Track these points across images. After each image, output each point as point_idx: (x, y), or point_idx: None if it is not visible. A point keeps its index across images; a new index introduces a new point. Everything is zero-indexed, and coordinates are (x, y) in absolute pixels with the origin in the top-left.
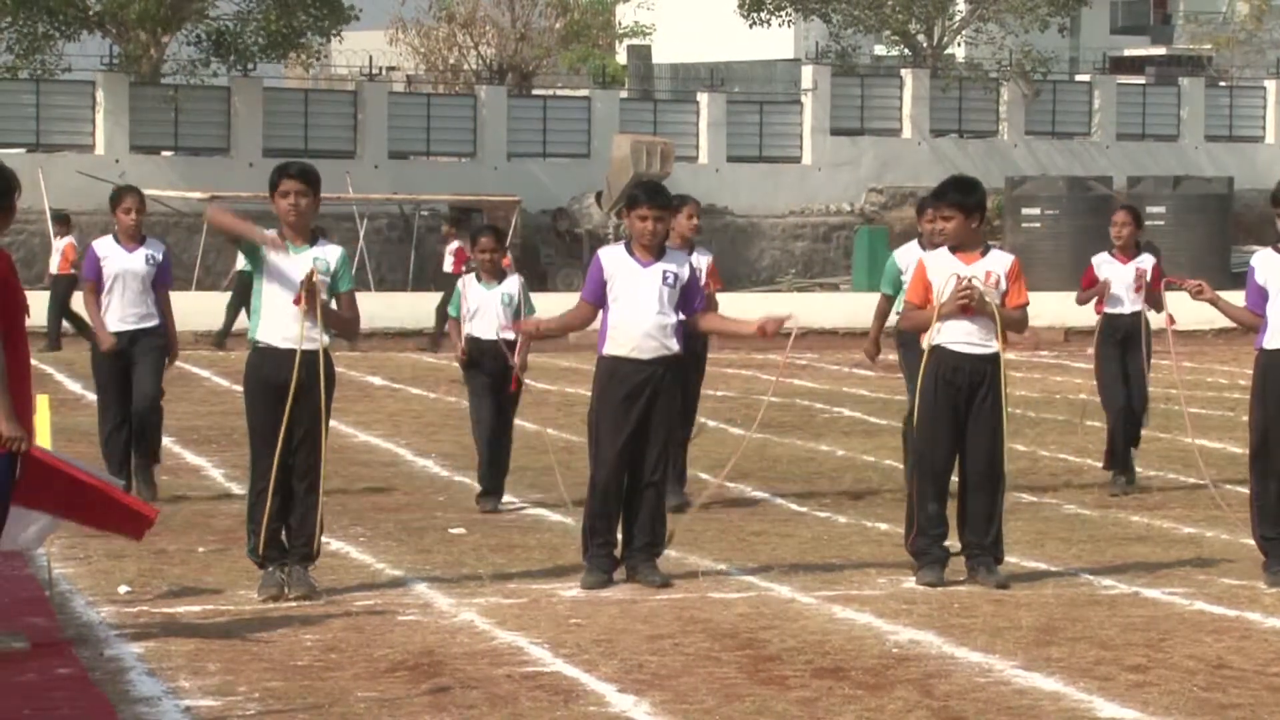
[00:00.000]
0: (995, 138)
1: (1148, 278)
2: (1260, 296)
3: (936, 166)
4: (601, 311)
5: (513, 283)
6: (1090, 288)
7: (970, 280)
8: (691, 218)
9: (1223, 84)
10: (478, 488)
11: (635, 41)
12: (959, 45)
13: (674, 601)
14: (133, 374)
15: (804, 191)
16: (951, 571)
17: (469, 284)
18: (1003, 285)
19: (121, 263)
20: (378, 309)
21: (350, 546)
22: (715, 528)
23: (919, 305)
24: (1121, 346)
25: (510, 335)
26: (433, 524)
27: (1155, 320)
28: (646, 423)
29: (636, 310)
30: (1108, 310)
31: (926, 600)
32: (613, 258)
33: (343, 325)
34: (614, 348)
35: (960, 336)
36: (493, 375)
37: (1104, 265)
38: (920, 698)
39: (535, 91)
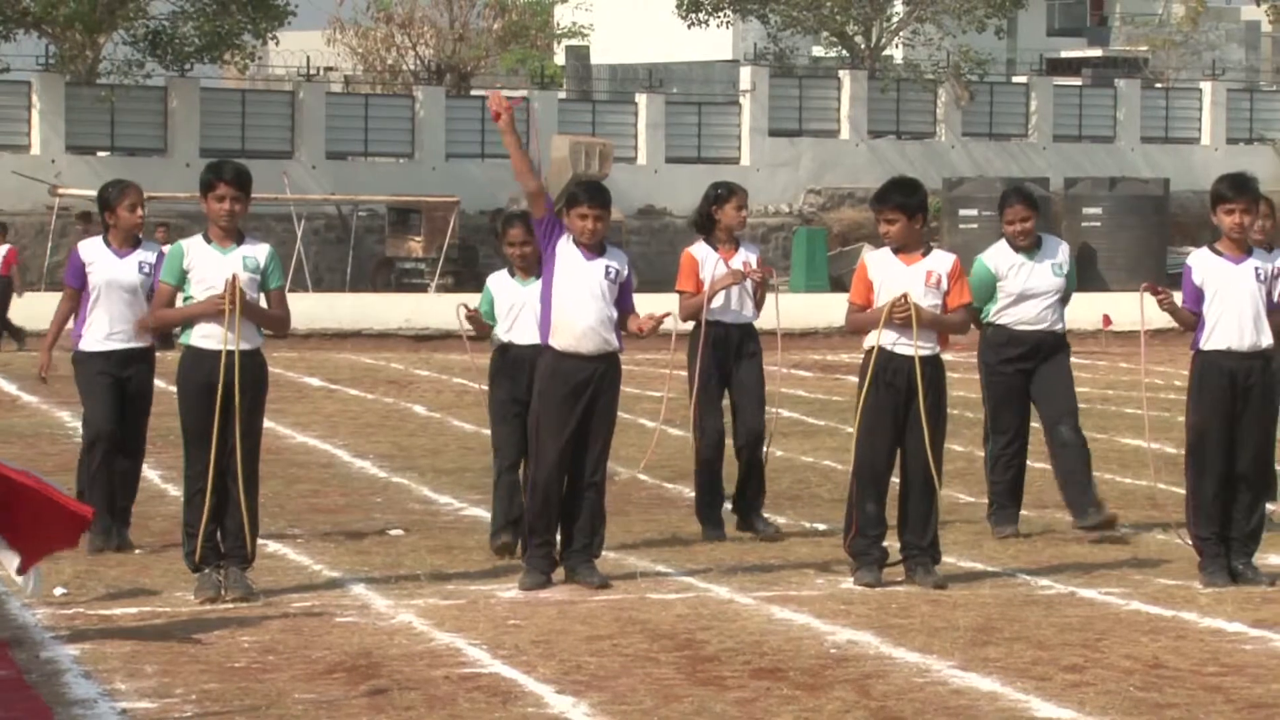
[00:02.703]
0: (933, 139)
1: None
2: (1196, 296)
3: (875, 168)
4: (542, 304)
5: None
6: None
7: (906, 297)
8: (740, 209)
9: (1159, 86)
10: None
11: (573, 42)
12: (897, 47)
13: (613, 602)
14: (125, 409)
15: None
16: (889, 572)
17: (500, 282)
18: (944, 285)
19: (111, 270)
20: (316, 310)
21: (287, 548)
22: (654, 529)
23: (862, 306)
24: None
25: None
26: (370, 525)
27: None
28: (588, 422)
29: (579, 303)
30: None
31: (864, 601)
32: (561, 250)
33: (274, 323)
34: (557, 340)
35: (902, 338)
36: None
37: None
38: (858, 698)
39: (474, 92)
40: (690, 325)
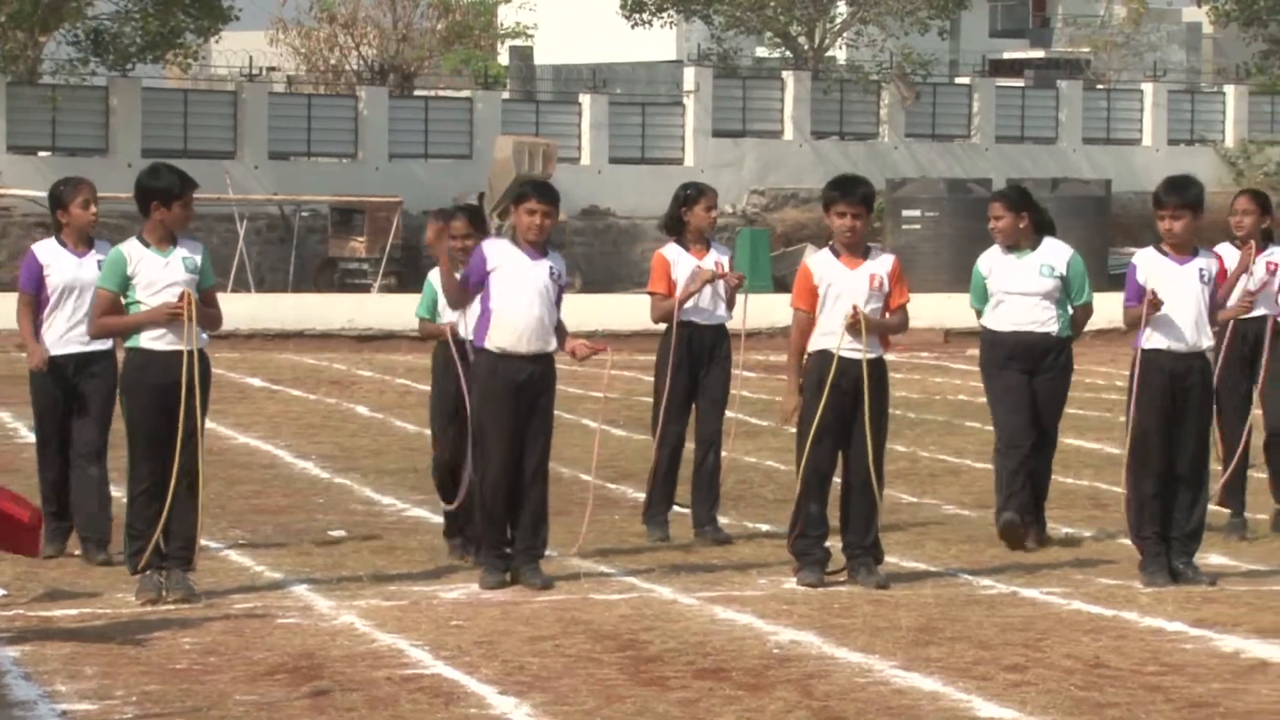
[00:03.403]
0: (876, 140)
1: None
2: (1139, 294)
3: (818, 168)
4: (481, 303)
5: None
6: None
7: (855, 308)
8: (710, 210)
9: (1101, 87)
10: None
11: (517, 43)
12: (840, 47)
13: (555, 603)
14: (74, 416)
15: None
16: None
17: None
18: (885, 287)
19: (70, 271)
20: (259, 310)
21: (229, 549)
22: (597, 529)
23: (807, 311)
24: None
25: None
26: (313, 526)
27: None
28: (528, 422)
29: (522, 303)
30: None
31: (807, 601)
32: (497, 249)
33: (210, 321)
34: (497, 339)
35: (845, 340)
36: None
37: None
38: (800, 698)
39: (417, 92)
40: (663, 326)
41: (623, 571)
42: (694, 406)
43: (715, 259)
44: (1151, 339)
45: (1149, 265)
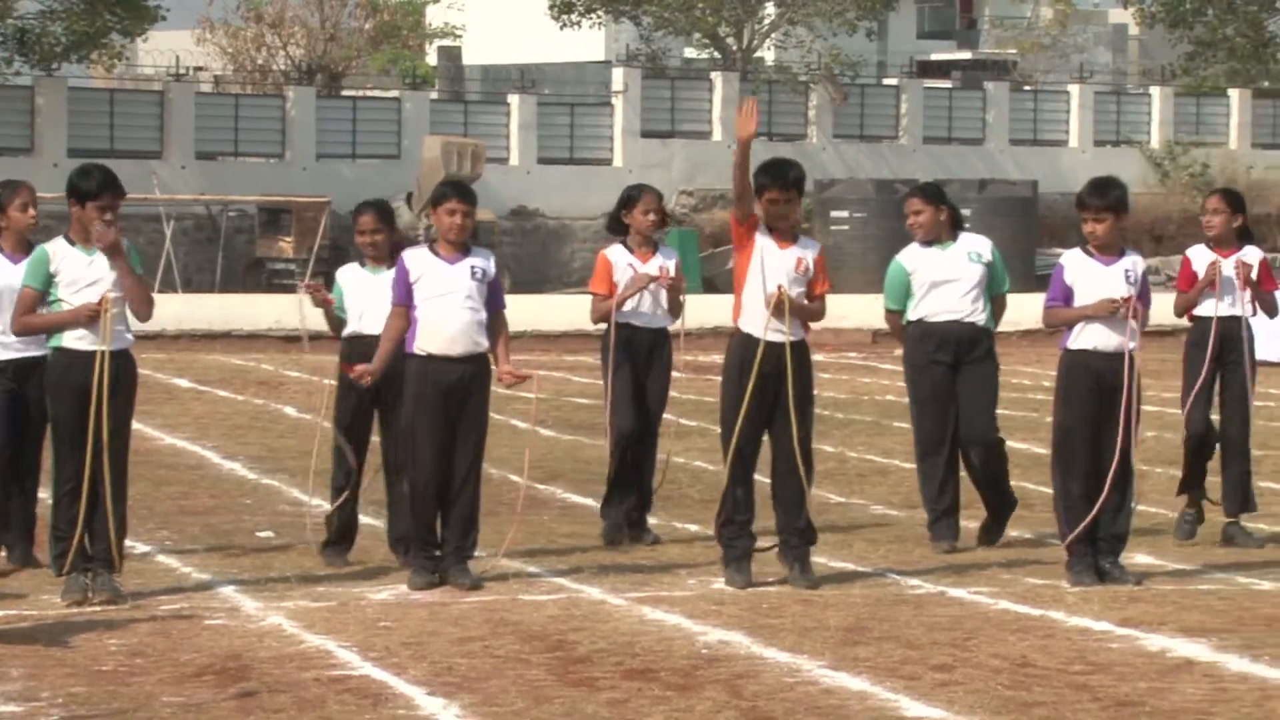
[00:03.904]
0: (804, 141)
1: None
2: (1065, 295)
3: None
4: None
5: None
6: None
7: (780, 288)
8: (648, 213)
9: (1027, 88)
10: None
11: (445, 43)
12: (768, 48)
13: (484, 604)
14: (26, 426)
15: (615, 193)
16: (762, 563)
17: (350, 274)
18: (810, 272)
19: (7, 276)
20: (186, 310)
21: (156, 550)
22: (526, 530)
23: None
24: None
25: None
26: (240, 527)
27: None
28: (460, 423)
29: (447, 308)
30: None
31: (735, 601)
32: (417, 258)
33: (137, 299)
34: (426, 344)
35: (768, 324)
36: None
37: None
38: (729, 698)
39: (345, 92)
40: (603, 326)
41: (551, 572)
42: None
43: (660, 263)
44: (1078, 339)
45: (1075, 267)
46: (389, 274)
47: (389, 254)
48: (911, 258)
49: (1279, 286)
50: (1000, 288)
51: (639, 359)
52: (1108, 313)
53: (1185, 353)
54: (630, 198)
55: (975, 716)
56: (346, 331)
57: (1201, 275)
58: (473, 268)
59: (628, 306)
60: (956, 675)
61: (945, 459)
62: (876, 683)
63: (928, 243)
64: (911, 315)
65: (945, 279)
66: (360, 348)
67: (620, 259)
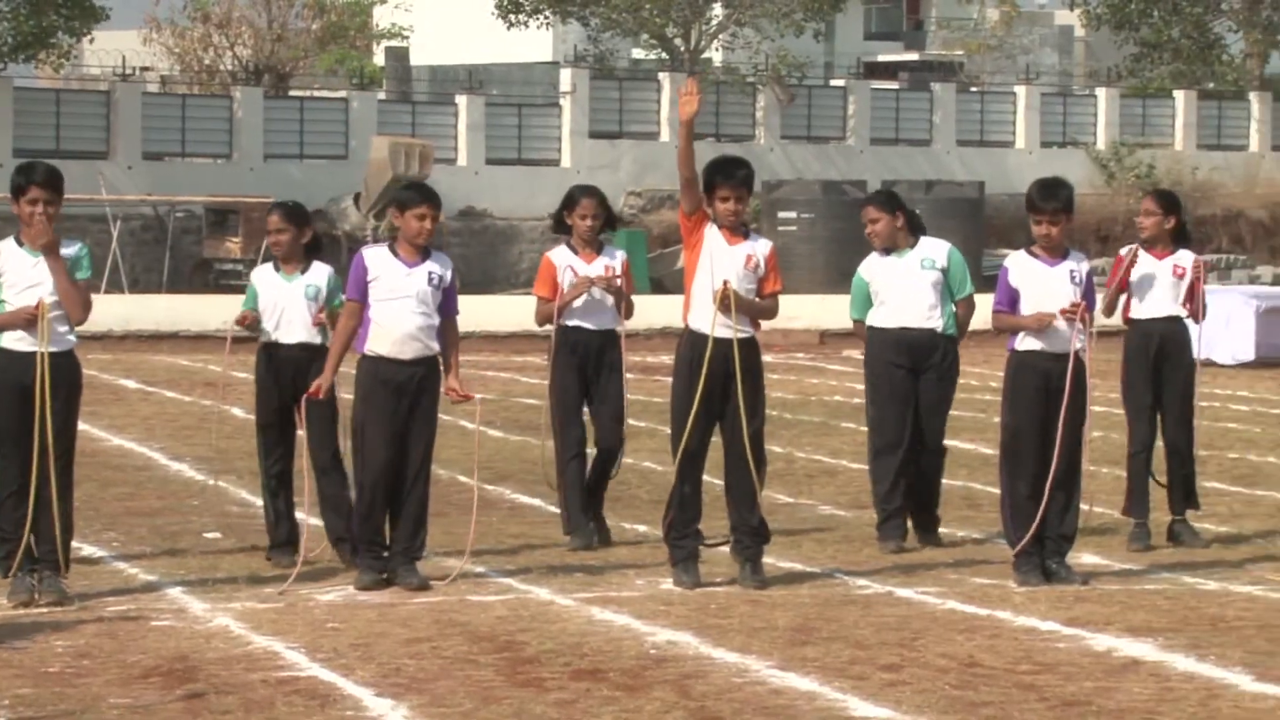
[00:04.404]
0: (751, 141)
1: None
2: (1011, 297)
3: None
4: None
5: (321, 271)
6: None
7: (726, 283)
8: (585, 217)
9: (974, 90)
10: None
11: (393, 43)
12: (716, 50)
13: (432, 604)
14: None
15: (563, 194)
16: (712, 561)
17: (264, 277)
18: (761, 269)
19: None
20: (133, 311)
21: (103, 551)
22: (475, 530)
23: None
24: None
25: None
26: (188, 528)
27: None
28: (410, 425)
29: (401, 311)
30: None
31: (684, 601)
32: (376, 258)
33: (73, 305)
34: (376, 346)
35: (720, 321)
36: (297, 392)
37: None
38: (677, 698)
39: (292, 93)
40: (549, 329)
41: (499, 572)
42: (591, 410)
43: (605, 263)
44: (1025, 340)
45: (1020, 269)
46: (303, 279)
47: (302, 255)
48: (869, 267)
49: (1205, 283)
50: (962, 291)
51: (588, 362)
52: (1043, 326)
53: (1124, 356)
54: (571, 199)
55: (923, 716)
56: (264, 339)
57: (1132, 276)
58: (430, 273)
59: (576, 308)
60: (904, 675)
61: (899, 461)
62: (824, 683)
63: (886, 250)
64: (871, 322)
65: (900, 287)
66: (278, 358)
67: (565, 260)
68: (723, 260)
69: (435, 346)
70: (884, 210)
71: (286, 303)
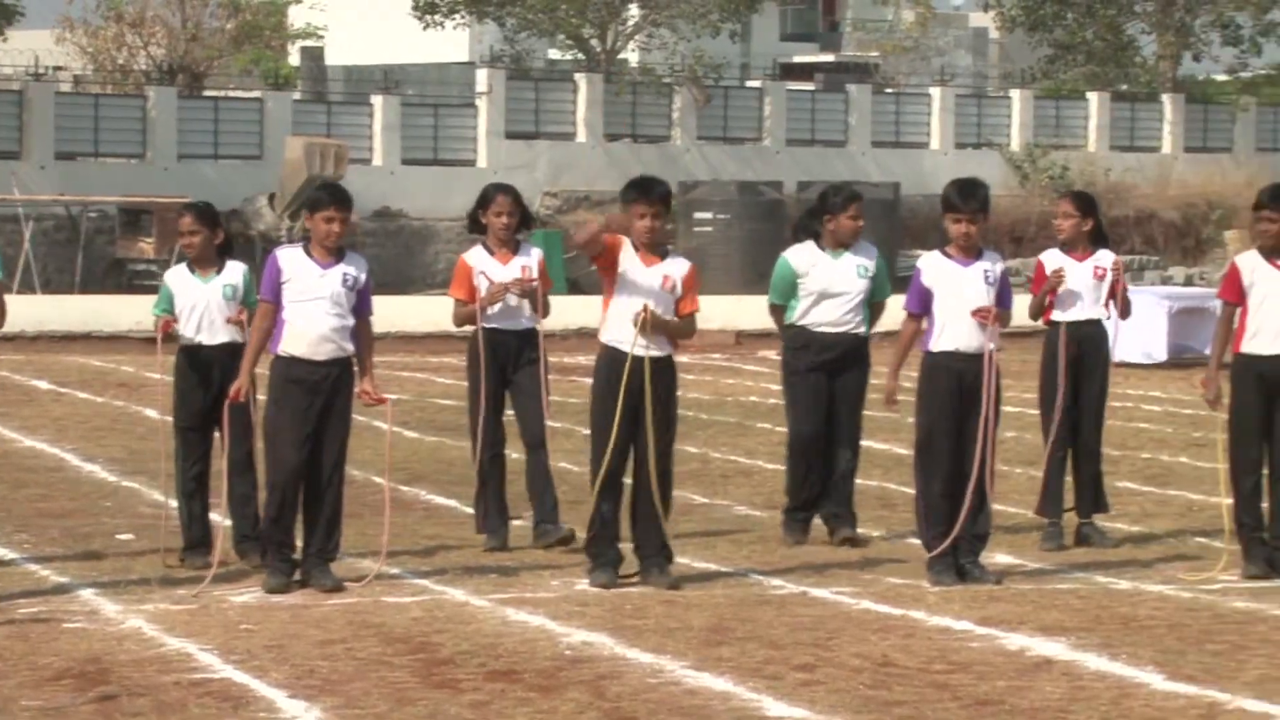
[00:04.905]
0: (668, 142)
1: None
2: (923, 299)
3: (611, 170)
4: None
5: (235, 270)
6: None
7: (646, 307)
8: (500, 215)
9: (889, 91)
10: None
11: (308, 43)
12: (632, 50)
13: (346, 606)
14: None
15: (479, 194)
16: (626, 573)
17: (179, 278)
18: (678, 290)
19: None
20: (45, 312)
21: (15, 553)
22: (390, 532)
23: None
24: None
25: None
26: (100, 530)
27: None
28: (324, 425)
29: (314, 312)
30: None
31: (599, 602)
32: (290, 259)
33: None
34: (290, 347)
35: (636, 340)
36: (221, 394)
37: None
38: (592, 699)
39: (206, 92)
40: (468, 329)
41: (414, 573)
42: (514, 409)
43: (522, 263)
44: (939, 341)
45: (934, 269)
46: (219, 279)
47: (215, 256)
48: (805, 260)
49: (1126, 287)
50: (881, 295)
51: (507, 362)
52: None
53: (1043, 358)
54: (485, 197)
55: (837, 716)
56: (185, 342)
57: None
58: (344, 274)
59: (492, 310)
60: (818, 675)
61: (814, 459)
62: (739, 683)
63: (823, 248)
64: (794, 319)
65: (833, 291)
66: (199, 360)
67: (481, 261)
68: (639, 281)
69: (350, 348)
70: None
71: (206, 305)
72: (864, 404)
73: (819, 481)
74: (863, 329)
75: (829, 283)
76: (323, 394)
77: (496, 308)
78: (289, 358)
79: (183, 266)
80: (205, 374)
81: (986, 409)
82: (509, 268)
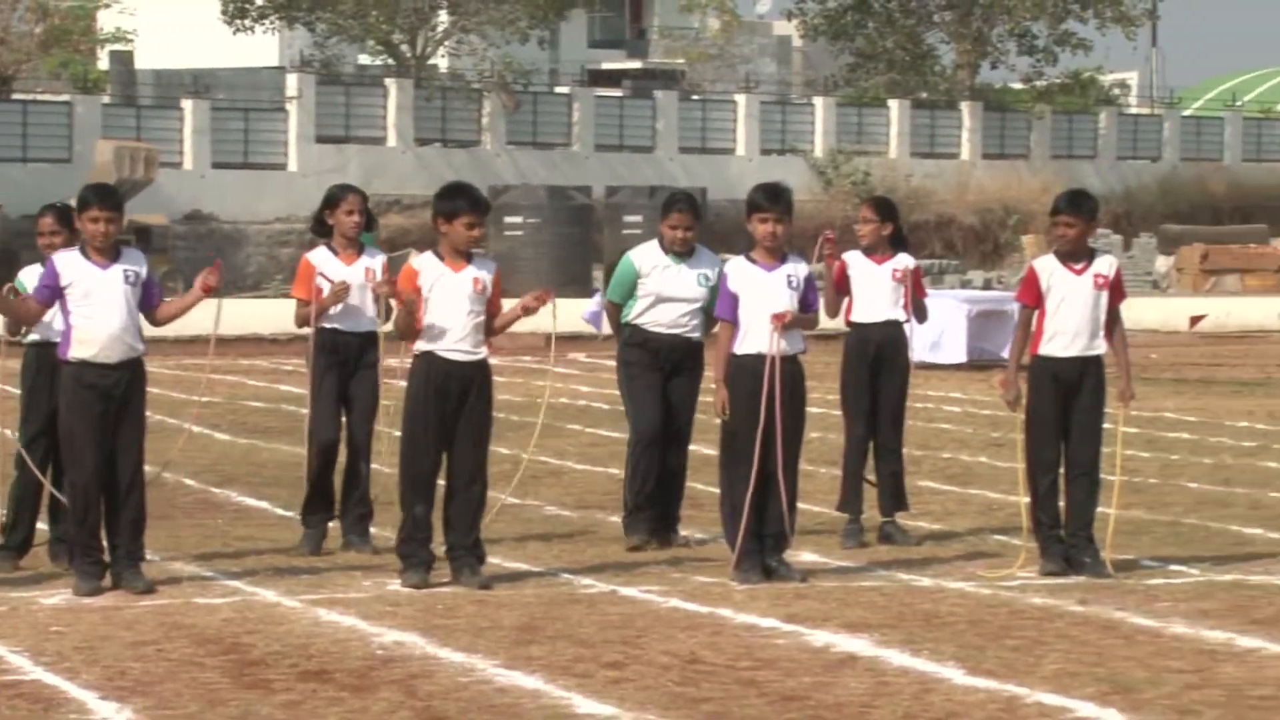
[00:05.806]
0: (478, 147)
1: None
2: (730, 303)
3: (421, 174)
4: (62, 315)
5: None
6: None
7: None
8: (351, 214)
9: (696, 97)
10: None
11: (117, 47)
12: (442, 56)
13: (157, 607)
14: None
15: (290, 198)
16: (437, 574)
17: (34, 276)
18: (488, 291)
19: None
20: None
21: None
22: (200, 533)
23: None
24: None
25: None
26: None
27: None
28: (119, 428)
29: (102, 314)
30: None
31: (411, 602)
32: (68, 262)
33: None
34: (80, 352)
35: (451, 344)
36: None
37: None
38: (404, 698)
39: (15, 96)
40: (308, 330)
41: (225, 574)
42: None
43: (366, 265)
44: (741, 344)
45: (739, 274)
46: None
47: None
48: (647, 261)
49: (927, 294)
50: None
51: (347, 363)
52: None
53: (844, 359)
54: (333, 198)
55: (646, 713)
56: (34, 338)
57: (854, 280)
58: (125, 271)
59: (333, 310)
60: (627, 673)
61: (653, 456)
62: (549, 681)
63: (669, 252)
64: (631, 318)
65: (672, 297)
66: (48, 356)
67: (324, 261)
68: (450, 287)
69: (140, 347)
70: (696, 217)
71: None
72: (695, 407)
73: (654, 479)
74: (697, 334)
75: (668, 287)
76: (116, 399)
77: (339, 308)
78: (80, 363)
79: (37, 266)
80: (55, 374)
81: (777, 410)
82: (354, 268)
